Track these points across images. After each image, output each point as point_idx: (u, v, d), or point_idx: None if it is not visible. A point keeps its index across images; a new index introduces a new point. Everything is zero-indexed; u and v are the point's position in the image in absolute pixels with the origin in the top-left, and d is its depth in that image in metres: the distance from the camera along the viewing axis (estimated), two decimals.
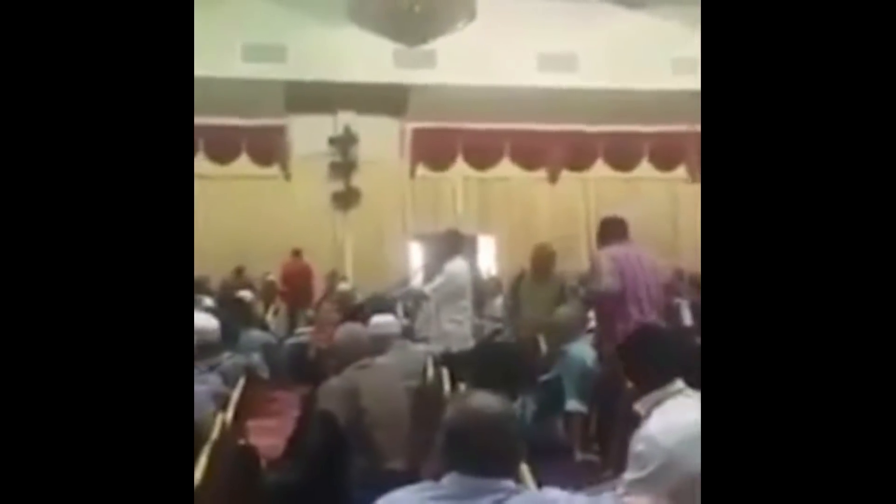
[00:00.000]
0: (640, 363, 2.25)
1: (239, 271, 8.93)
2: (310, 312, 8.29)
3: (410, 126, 9.70)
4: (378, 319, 4.06)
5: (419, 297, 5.22)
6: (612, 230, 4.03)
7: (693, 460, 1.93)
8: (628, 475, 2.05)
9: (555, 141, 9.88)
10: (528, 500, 1.52)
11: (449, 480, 1.51)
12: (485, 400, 1.60)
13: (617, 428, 2.59)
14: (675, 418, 2.07)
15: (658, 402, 2.13)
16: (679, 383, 2.17)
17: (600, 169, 10.26)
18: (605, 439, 3.00)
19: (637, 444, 2.07)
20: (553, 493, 1.57)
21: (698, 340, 2.66)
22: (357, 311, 5.21)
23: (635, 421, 2.19)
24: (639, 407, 2.18)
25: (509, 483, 1.53)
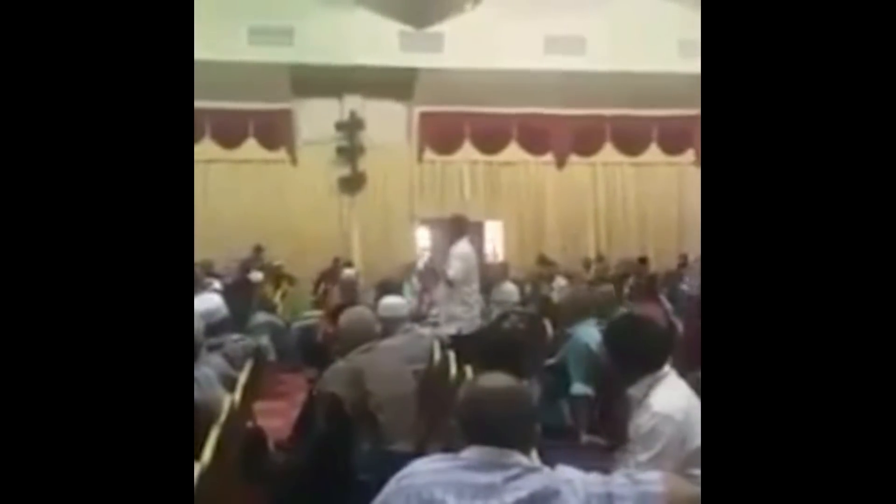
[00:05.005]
0: (630, 351, 2.31)
1: (258, 250, 8.93)
2: (315, 296, 8.34)
3: (417, 110, 9.66)
4: (387, 302, 4.07)
5: (441, 279, 5.23)
6: None
7: (697, 434, 1.98)
8: (643, 455, 2.10)
9: (562, 125, 9.83)
10: (545, 478, 1.54)
11: (468, 452, 1.57)
12: (496, 378, 1.68)
13: (623, 410, 2.61)
14: (674, 397, 2.14)
15: (652, 385, 2.19)
16: (666, 368, 2.24)
17: (608, 153, 10.21)
18: (611, 422, 3.02)
19: (648, 422, 2.13)
20: (568, 472, 1.59)
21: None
22: (364, 295, 5.23)
23: (634, 404, 2.25)
24: (634, 391, 2.24)
25: (525, 460, 1.56)
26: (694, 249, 7.80)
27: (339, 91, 9.38)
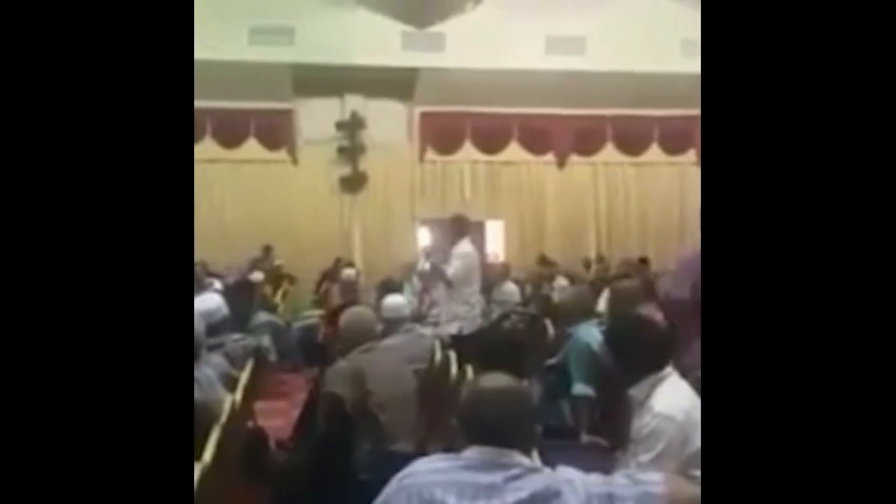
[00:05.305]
0: (632, 352, 2.31)
1: (267, 250, 8.96)
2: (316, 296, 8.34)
3: (418, 110, 9.66)
4: (390, 302, 4.08)
5: (440, 278, 5.21)
6: None
7: (699, 435, 1.99)
8: (644, 456, 2.10)
9: (563, 125, 9.82)
10: (545, 479, 1.55)
11: (469, 452, 1.57)
12: (497, 378, 1.69)
13: (624, 411, 2.62)
14: (677, 398, 2.14)
15: (654, 386, 2.20)
16: (668, 368, 2.24)
17: (609, 153, 10.20)
18: (612, 422, 3.02)
19: (650, 423, 2.13)
20: (568, 472, 1.60)
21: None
22: (365, 294, 5.23)
23: (636, 405, 2.25)
24: (636, 392, 2.24)
25: (526, 460, 1.56)
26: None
27: (341, 91, 9.38)
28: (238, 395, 3.05)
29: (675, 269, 3.39)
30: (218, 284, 6.66)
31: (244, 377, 3.41)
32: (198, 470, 2.11)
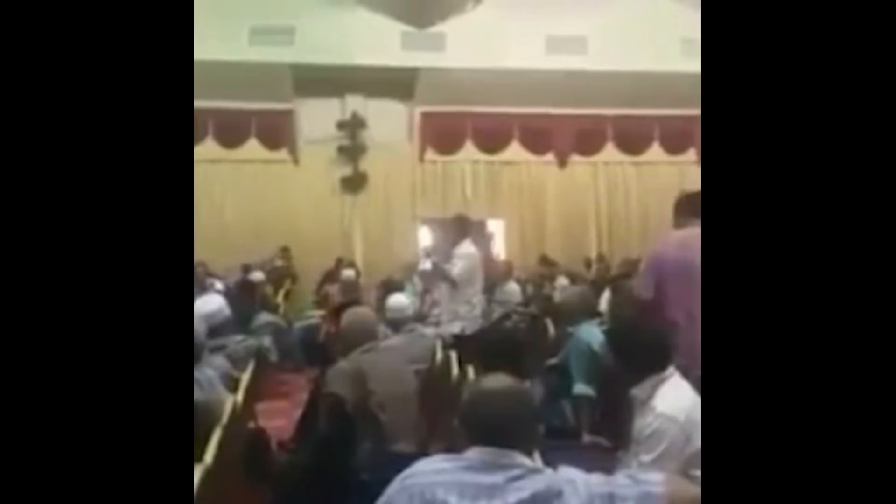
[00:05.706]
0: (634, 352, 2.31)
1: (285, 250, 8.95)
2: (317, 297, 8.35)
3: (419, 110, 9.67)
4: (394, 301, 4.07)
5: (444, 278, 5.20)
6: (691, 208, 3.10)
7: (700, 434, 1.99)
8: (645, 456, 2.10)
9: (564, 124, 9.82)
10: (546, 479, 1.55)
11: (471, 453, 1.58)
12: (498, 379, 1.70)
13: (626, 411, 2.62)
14: (679, 398, 2.14)
15: (657, 386, 2.19)
16: (670, 369, 2.24)
17: (610, 152, 10.20)
18: (613, 422, 3.01)
19: (652, 423, 2.13)
20: (570, 472, 1.60)
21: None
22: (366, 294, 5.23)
23: (638, 405, 2.25)
24: (638, 392, 2.24)
25: (527, 461, 1.57)
26: None
27: (341, 91, 9.39)
28: (239, 396, 3.06)
29: (642, 270, 3.38)
30: (219, 285, 6.66)
31: (245, 378, 3.41)
32: (199, 471, 2.11)
